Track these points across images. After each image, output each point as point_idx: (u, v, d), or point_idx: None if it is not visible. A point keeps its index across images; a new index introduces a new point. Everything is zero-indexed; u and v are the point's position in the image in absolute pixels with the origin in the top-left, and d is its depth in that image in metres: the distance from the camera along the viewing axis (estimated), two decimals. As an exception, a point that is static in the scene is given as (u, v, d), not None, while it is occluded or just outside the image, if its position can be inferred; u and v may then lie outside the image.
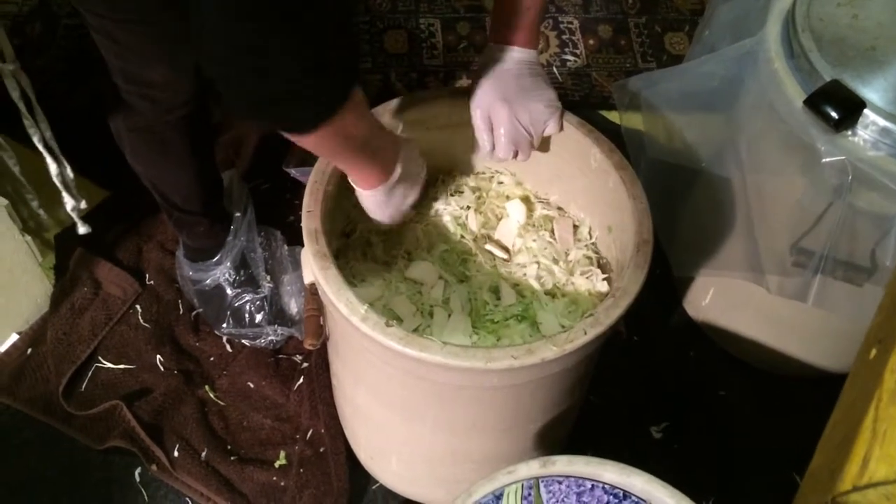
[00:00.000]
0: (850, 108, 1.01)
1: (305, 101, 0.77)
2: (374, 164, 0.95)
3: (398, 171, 0.98)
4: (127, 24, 1.02)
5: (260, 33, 0.70)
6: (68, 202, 1.31)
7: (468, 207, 1.17)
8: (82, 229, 1.35)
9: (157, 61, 1.07)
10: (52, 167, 1.24)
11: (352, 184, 0.99)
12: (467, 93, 1.06)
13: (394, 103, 1.09)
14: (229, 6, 0.69)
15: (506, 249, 1.15)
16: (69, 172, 1.28)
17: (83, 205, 1.32)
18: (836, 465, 0.57)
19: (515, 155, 1.07)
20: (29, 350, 1.41)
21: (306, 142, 0.84)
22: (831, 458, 0.59)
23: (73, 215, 1.32)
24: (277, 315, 1.41)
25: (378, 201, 1.01)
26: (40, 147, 1.21)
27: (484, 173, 1.22)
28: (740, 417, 1.40)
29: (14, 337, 1.42)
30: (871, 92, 1.02)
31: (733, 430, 1.38)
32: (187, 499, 1.28)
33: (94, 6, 1.00)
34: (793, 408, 1.41)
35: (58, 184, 1.28)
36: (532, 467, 0.85)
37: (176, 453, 1.29)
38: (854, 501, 0.55)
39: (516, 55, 1.03)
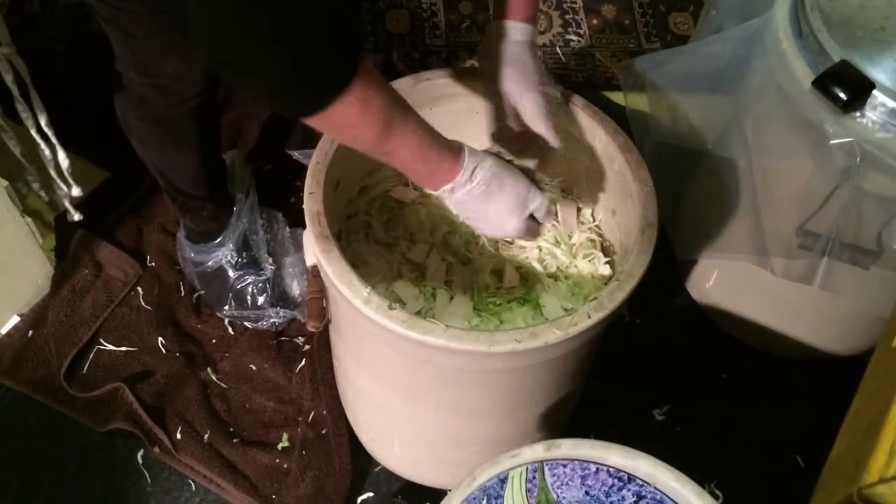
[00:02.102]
0: (859, 90, 1.00)
1: (315, 76, 0.74)
2: (422, 150, 0.85)
3: (469, 162, 0.88)
4: (139, 14, 1.01)
5: (259, 7, 0.67)
6: (61, 189, 1.30)
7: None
8: (76, 216, 1.34)
9: (170, 53, 1.06)
10: (46, 152, 1.23)
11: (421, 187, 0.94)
12: (472, 72, 1.05)
13: (397, 84, 1.08)
14: None
15: (509, 232, 1.15)
16: (64, 159, 1.27)
17: (75, 192, 1.31)
18: (862, 455, 0.56)
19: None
20: (30, 332, 1.40)
21: (327, 122, 0.78)
22: (856, 448, 0.59)
23: (66, 203, 1.31)
24: (279, 297, 1.40)
25: (467, 205, 0.91)
26: (33, 133, 1.20)
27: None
28: (743, 400, 1.40)
29: (15, 319, 1.42)
30: (879, 73, 1.01)
31: (736, 413, 1.38)
32: (190, 481, 1.28)
33: None
34: (796, 391, 1.41)
35: (51, 170, 1.27)
36: (537, 451, 0.85)
37: (178, 436, 1.29)
38: (881, 493, 0.54)
39: (524, 33, 1.00)
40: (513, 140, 1.04)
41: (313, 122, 0.78)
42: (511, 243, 1.13)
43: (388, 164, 0.87)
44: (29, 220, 1.37)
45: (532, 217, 0.95)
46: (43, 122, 1.21)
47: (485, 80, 1.04)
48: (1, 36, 1.11)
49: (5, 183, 1.30)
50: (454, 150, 0.88)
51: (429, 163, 0.86)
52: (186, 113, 1.15)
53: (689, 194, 1.40)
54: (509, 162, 0.95)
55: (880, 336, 0.66)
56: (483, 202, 0.91)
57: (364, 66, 0.76)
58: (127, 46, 1.06)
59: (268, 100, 0.87)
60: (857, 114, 1.02)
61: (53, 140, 1.24)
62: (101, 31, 1.08)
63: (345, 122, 0.78)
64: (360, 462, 1.29)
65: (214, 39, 0.71)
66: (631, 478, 0.85)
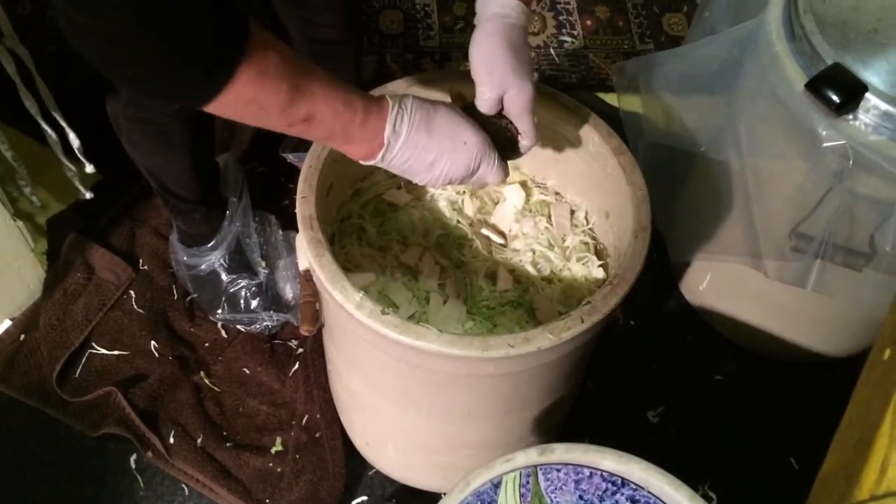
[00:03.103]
0: (852, 92, 1.00)
1: (198, 59, 0.67)
2: (344, 102, 0.78)
3: (389, 96, 0.83)
4: None
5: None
6: (70, 170, 1.29)
7: (464, 192, 1.16)
8: (87, 195, 1.33)
9: None
10: (53, 136, 1.23)
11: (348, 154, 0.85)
12: (468, 75, 1.02)
13: (389, 86, 1.07)
14: None
15: (502, 234, 1.14)
16: (74, 139, 1.26)
17: (89, 168, 1.30)
18: (853, 470, 0.55)
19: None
20: (22, 336, 1.40)
21: (228, 105, 0.71)
22: (847, 462, 0.58)
23: (76, 182, 1.30)
24: (273, 301, 1.40)
25: (419, 144, 0.84)
26: (39, 119, 1.19)
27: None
28: (737, 402, 1.40)
29: (7, 323, 1.41)
30: (872, 75, 1.01)
31: (730, 415, 1.38)
32: (183, 485, 1.27)
33: None
34: (789, 392, 1.41)
35: (59, 155, 1.26)
36: (530, 455, 0.85)
37: (171, 440, 1.28)
38: (872, 510, 0.54)
39: (518, 12, 0.89)
40: None
41: (212, 108, 0.71)
42: (505, 246, 1.13)
43: (315, 136, 0.80)
44: (20, 223, 1.37)
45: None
46: (49, 105, 1.20)
47: (472, 67, 0.91)
48: (3, 26, 1.10)
49: (-5, 186, 1.29)
50: (372, 96, 0.82)
51: (355, 112, 0.79)
52: (176, 114, 1.14)
53: (683, 196, 1.40)
54: None
55: (872, 348, 0.66)
56: (427, 128, 0.84)
57: (254, 37, 0.69)
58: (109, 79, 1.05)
59: (156, 94, 0.79)
60: (850, 116, 1.02)
61: (62, 121, 1.23)
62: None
63: (245, 100, 0.71)
64: (354, 466, 1.28)
65: (77, 32, 0.64)
66: (625, 482, 0.85)
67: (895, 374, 0.56)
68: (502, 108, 0.91)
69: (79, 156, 1.27)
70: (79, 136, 1.44)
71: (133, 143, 1.20)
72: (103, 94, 1.18)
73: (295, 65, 0.74)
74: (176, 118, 1.15)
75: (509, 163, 0.93)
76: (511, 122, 0.91)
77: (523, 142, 0.92)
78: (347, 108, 0.79)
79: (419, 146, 0.84)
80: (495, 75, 0.88)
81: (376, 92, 1.05)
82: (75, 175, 1.30)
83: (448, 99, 0.96)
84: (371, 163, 0.84)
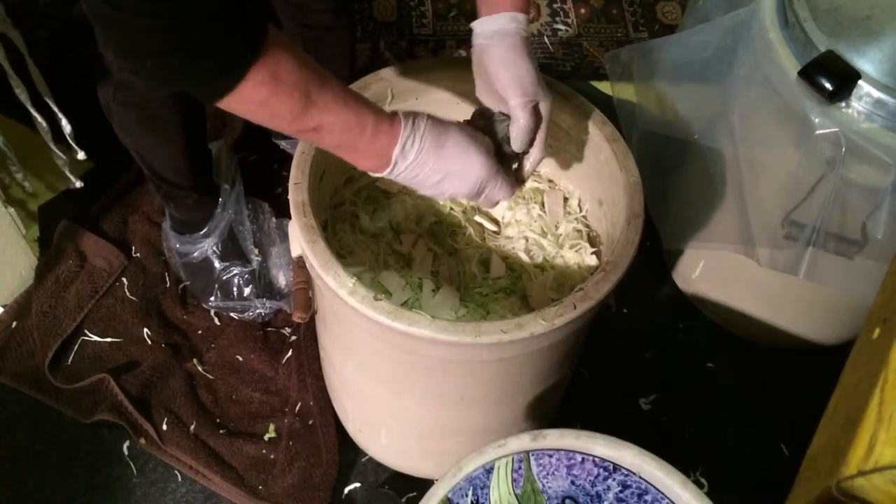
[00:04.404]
0: (845, 80, 1.00)
1: (212, 57, 0.68)
2: (355, 115, 0.79)
3: (404, 115, 0.82)
4: None
5: None
6: (60, 158, 1.28)
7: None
8: (77, 184, 1.32)
9: None
10: (44, 124, 1.22)
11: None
12: (462, 63, 1.02)
13: (383, 72, 1.07)
14: None
15: (495, 222, 1.14)
16: (66, 124, 1.25)
17: (80, 155, 1.29)
18: (840, 448, 0.56)
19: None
20: (14, 323, 1.39)
21: (238, 104, 0.73)
22: (834, 441, 0.58)
23: (66, 171, 1.29)
24: (266, 288, 1.40)
25: (426, 164, 0.84)
26: (29, 107, 1.18)
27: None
28: (728, 389, 1.40)
29: (-1, 310, 1.41)
30: (865, 63, 1.01)
31: (721, 402, 1.39)
32: (176, 472, 1.28)
33: None
34: (781, 380, 1.42)
35: (49, 142, 1.25)
36: (523, 441, 0.85)
37: (164, 427, 1.28)
38: (859, 486, 0.54)
39: (518, 24, 0.89)
40: None
41: (225, 105, 0.73)
42: (498, 233, 1.13)
43: (324, 145, 0.81)
44: (12, 209, 1.36)
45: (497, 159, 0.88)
46: (42, 91, 1.19)
47: (498, 81, 0.89)
48: None
49: (-14, 172, 1.29)
50: (385, 112, 0.83)
51: (365, 126, 0.80)
52: (167, 98, 1.14)
53: (676, 184, 1.41)
54: None
55: (861, 328, 0.66)
56: (437, 151, 0.84)
57: (271, 40, 0.71)
58: (119, 66, 1.05)
59: (172, 87, 0.81)
60: (843, 104, 1.02)
61: (54, 107, 1.23)
62: (84, 20, 1.06)
63: (257, 102, 0.73)
64: (347, 452, 1.29)
65: (99, 20, 0.68)
66: (616, 467, 0.85)
67: (884, 352, 0.56)
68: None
69: (70, 142, 1.26)
70: (71, 122, 1.44)
71: (124, 128, 1.20)
72: (94, 81, 1.17)
73: (310, 73, 0.75)
74: (167, 103, 1.14)
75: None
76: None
77: (532, 151, 0.93)
78: (358, 122, 0.80)
79: (427, 166, 0.85)
80: (529, 89, 0.88)
81: (369, 79, 1.05)
82: (65, 164, 1.30)
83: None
84: (378, 175, 0.85)
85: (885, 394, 0.56)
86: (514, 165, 0.95)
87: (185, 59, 0.69)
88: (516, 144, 0.91)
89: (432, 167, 0.85)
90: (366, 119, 0.80)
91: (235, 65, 0.70)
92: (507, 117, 0.91)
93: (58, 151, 1.28)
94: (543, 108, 0.91)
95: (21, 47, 1.13)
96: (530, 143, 0.92)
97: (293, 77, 0.73)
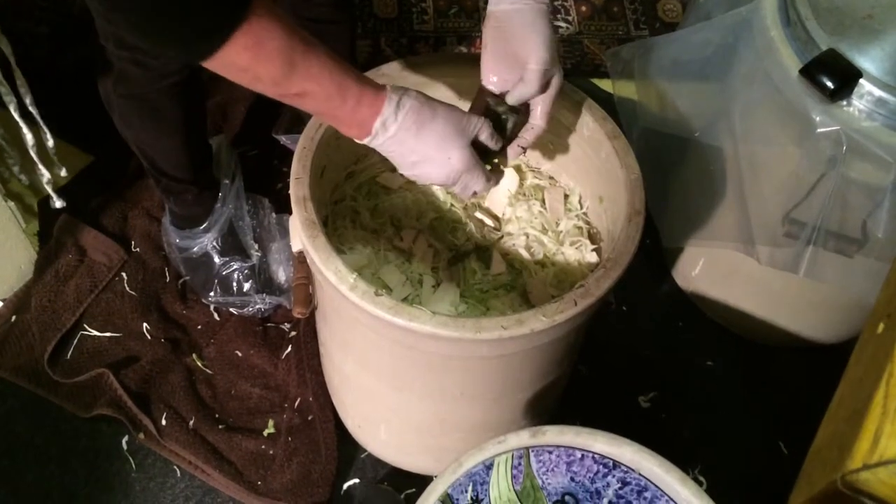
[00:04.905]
0: (846, 78, 1.00)
1: (196, 18, 0.69)
2: (337, 86, 0.79)
3: (392, 91, 0.83)
4: None
5: None
6: (44, 175, 1.28)
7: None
8: (58, 203, 1.33)
9: None
10: (28, 136, 1.22)
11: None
12: (463, 59, 1.02)
13: (384, 68, 1.07)
14: None
15: (496, 218, 1.14)
16: (49, 140, 1.25)
17: (62, 172, 1.29)
18: (845, 442, 0.56)
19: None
20: (13, 317, 1.39)
21: (220, 66, 0.73)
22: (839, 435, 0.59)
23: (48, 188, 1.30)
24: (265, 283, 1.40)
25: (403, 143, 0.85)
26: (16, 116, 1.18)
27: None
28: (727, 387, 1.41)
29: (-2, 304, 1.41)
30: (867, 61, 1.01)
31: (720, 400, 1.39)
32: (175, 467, 1.28)
33: None
34: (780, 378, 1.42)
35: (33, 155, 1.25)
36: (522, 437, 0.85)
37: (163, 422, 1.28)
38: (864, 479, 0.54)
39: None
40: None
41: (209, 66, 0.74)
42: (498, 230, 1.13)
43: (306, 110, 0.82)
44: (11, 204, 1.36)
45: (478, 152, 0.89)
46: (28, 101, 1.19)
47: (523, 43, 0.89)
48: None
49: (-14, 167, 1.29)
50: (373, 83, 0.83)
51: (347, 97, 0.80)
52: (167, 89, 1.14)
53: (677, 182, 1.41)
54: None
55: (866, 322, 0.67)
56: (417, 133, 0.84)
57: (257, 7, 0.71)
58: (105, 17, 1.05)
59: (156, 44, 0.81)
60: (844, 102, 1.02)
61: (39, 121, 1.22)
62: (85, 14, 1.06)
63: (239, 66, 0.74)
64: (346, 448, 1.29)
65: None
66: (616, 464, 0.85)
67: (889, 346, 0.56)
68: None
69: (51, 158, 1.26)
70: (71, 117, 1.43)
71: (125, 121, 1.20)
72: (95, 76, 1.17)
73: (295, 40, 0.75)
74: (167, 94, 1.14)
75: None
76: (516, 115, 0.93)
77: (535, 121, 0.95)
78: (340, 92, 0.80)
79: (405, 145, 0.85)
80: (550, 56, 0.89)
81: (370, 75, 1.05)
82: (49, 181, 1.29)
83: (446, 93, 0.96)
84: (361, 142, 0.86)
85: (891, 388, 0.56)
86: (497, 158, 0.95)
87: (167, 21, 0.69)
88: (522, 107, 0.93)
89: (410, 147, 0.85)
90: (349, 89, 0.80)
91: (218, 29, 0.71)
92: (507, 105, 0.92)
93: (42, 167, 1.27)
94: (555, 81, 0.92)
95: (9, 54, 1.12)
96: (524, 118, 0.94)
97: (277, 44, 0.74)
